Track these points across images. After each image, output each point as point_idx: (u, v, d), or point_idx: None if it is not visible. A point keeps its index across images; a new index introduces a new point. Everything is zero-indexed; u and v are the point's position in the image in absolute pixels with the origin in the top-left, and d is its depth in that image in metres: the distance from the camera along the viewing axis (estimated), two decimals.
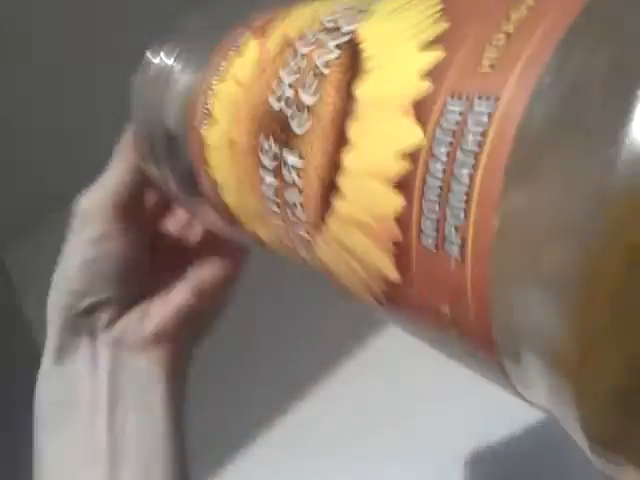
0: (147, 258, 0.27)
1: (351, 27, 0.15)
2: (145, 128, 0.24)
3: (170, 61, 0.23)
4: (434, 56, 0.12)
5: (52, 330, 0.25)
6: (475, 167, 0.10)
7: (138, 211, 0.27)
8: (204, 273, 0.27)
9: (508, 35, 0.11)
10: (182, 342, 0.26)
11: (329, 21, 0.16)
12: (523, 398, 0.12)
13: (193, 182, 0.22)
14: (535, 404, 0.12)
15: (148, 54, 0.24)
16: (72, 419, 0.24)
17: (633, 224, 0.08)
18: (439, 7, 0.13)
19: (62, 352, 0.25)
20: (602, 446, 0.09)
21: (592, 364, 0.09)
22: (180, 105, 0.22)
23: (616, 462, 0.10)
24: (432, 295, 0.12)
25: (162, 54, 0.24)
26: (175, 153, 0.22)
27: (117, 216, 0.25)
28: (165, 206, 0.30)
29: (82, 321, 0.25)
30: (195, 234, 0.30)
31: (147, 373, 0.25)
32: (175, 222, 0.30)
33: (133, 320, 0.26)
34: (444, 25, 0.12)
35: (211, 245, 0.28)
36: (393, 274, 0.13)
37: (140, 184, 0.26)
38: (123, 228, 0.25)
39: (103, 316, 0.25)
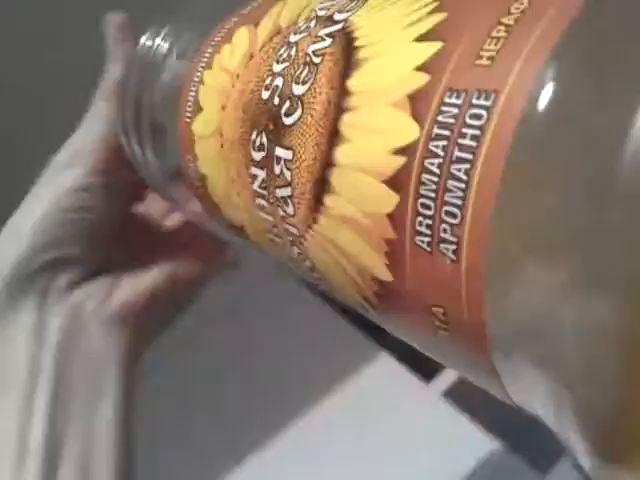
0: (122, 226, 0.25)
1: (344, 15, 0.14)
2: (133, 109, 0.23)
3: (163, 48, 0.23)
4: (431, 48, 0.11)
5: None
6: (473, 164, 0.10)
7: (122, 170, 0.24)
8: (184, 263, 0.25)
9: (508, 27, 0.10)
10: (144, 327, 0.24)
11: (321, 9, 0.16)
12: (513, 402, 0.12)
13: (177, 172, 0.21)
14: (526, 408, 0.11)
15: (142, 40, 0.24)
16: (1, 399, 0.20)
17: (632, 224, 0.08)
18: None
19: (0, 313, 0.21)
20: (601, 454, 0.09)
21: (588, 369, 0.09)
22: (169, 93, 0.21)
23: (613, 469, 0.09)
24: (425, 295, 0.11)
25: (156, 40, 0.23)
26: (160, 141, 0.22)
27: (105, 166, 0.23)
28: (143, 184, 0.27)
29: (36, 279, 0.21)
30: (173, 219, 0.28)
31: (102, 355, 0.22)
32: (153, 203, 0.28)
33: (98, 289, 0.23)
34: (441, 16, 0.12)
35: (190, 235, 0.26)
36: (385, 273, 0.12)
37: None
38: (107, 183, 0.23)
39: (64, 276, 0.22)
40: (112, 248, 0.24)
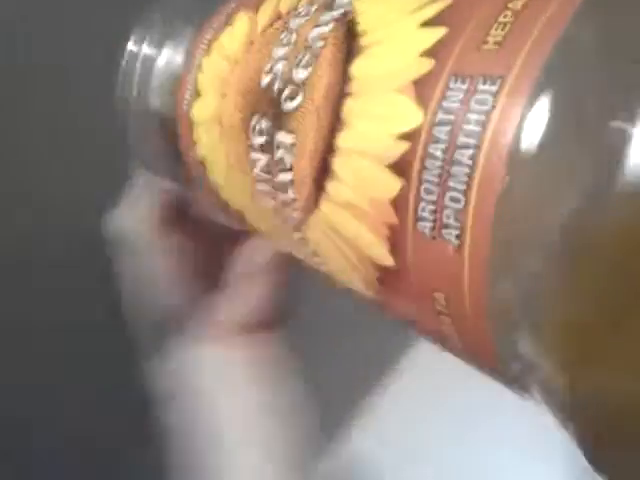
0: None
1: (345, 0, 0.14)
2: (138, 127, 0.23)
3: (154, 42, 0.22)
4: (436, 33, 0.11)
5: None
6: (477, 149, 0.10)
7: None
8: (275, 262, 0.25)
9: (516, 13, 0.10)
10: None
11: None
12: (514, 389, 0.12)
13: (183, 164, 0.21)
14: (527, 395, 0.11)
15: (129, 44, 0.23)
16: None
17: (632, 222, 0.08)
18: None
19: None
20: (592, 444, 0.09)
21: (585, 360, 0.09)
22: (169, 84, 0.21)
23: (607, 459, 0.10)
24: (427, 281, 0.11)
25: (146, 35, 0.23)
26: (167, 138, 0.22)
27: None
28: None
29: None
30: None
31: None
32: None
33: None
34: (446, 1, 0.12)
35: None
36: (387, 259, 0.12)
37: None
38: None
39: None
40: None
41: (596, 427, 0.10)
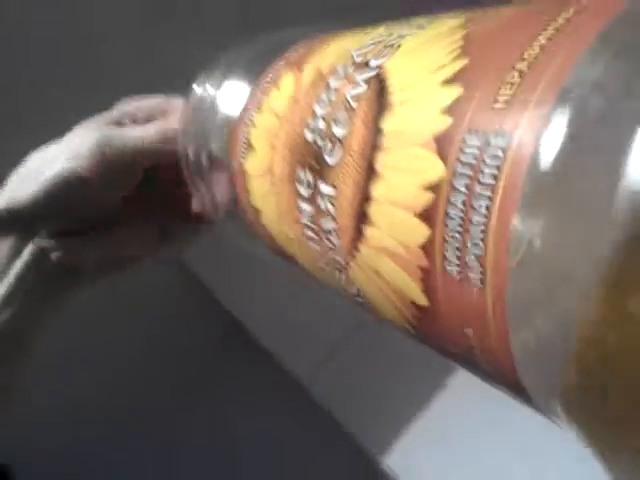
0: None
1: (378, 62, 0.16)
2: (194, 143, 0.25)
3: (214, 92, 0.25)
4: (454, 92, 0.12)
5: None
6: (492, 199, 0.11)
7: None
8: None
9: (522, 73, 0.11)
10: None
11: (358, 55, 0.17)
12: (542, 413, 0.12)
13: (235, 206, 0.23)
14: (555, 421, 0.12)
15: (195, 85, 0.26)
16: None
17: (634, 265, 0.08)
18: (460, 43, 0.13)
19: None
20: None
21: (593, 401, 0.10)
22: (223, 134, 0.23)
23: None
24: (457, 318, 0.12)
25: (207, 85, 0.25)
26: (215, 174, 0.24)
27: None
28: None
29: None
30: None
31: None
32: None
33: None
34: (464, 61, 0.13)
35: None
36: (421, 299, 0.13)
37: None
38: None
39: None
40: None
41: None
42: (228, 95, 0.24)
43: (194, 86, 0.26)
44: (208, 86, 0.25)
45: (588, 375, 0.10)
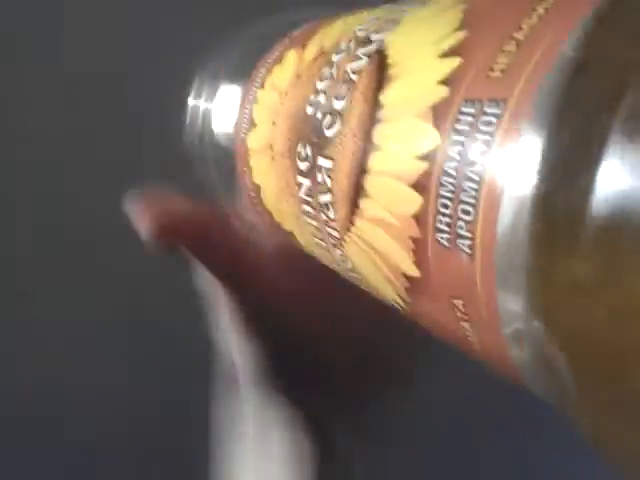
0: None
1: (379, 36, 0.16)
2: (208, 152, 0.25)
3: (216, 81, 0.25)
4: (452, 63, 0.12)
5: None
6: (483, 165, 0.11)
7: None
8: None
9: (518, 42, 0.11)
10: None
11: (360, 30, 0.17)
12: (530, 389, 0.12)
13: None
14: (541, 395, 0.12)
15: (190, 97, 0.26)
16: None
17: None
18: (460, 16, 0.13)
19: None
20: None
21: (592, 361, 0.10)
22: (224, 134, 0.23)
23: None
24: (447, 289, 0.12)
25: (207, 74, 0.25)
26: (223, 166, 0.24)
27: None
28: None
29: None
30: None
31: None
32: None
33: None
34: (462, 34, 0.13)
35: None
36: (412, 269, 0.13)
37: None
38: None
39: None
40: None
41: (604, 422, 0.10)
42: (231, 79, 0.24)
43: (193, 84, 0.26)
44: (208, 76, 0.25)
45: (572, 344, 0.10)
